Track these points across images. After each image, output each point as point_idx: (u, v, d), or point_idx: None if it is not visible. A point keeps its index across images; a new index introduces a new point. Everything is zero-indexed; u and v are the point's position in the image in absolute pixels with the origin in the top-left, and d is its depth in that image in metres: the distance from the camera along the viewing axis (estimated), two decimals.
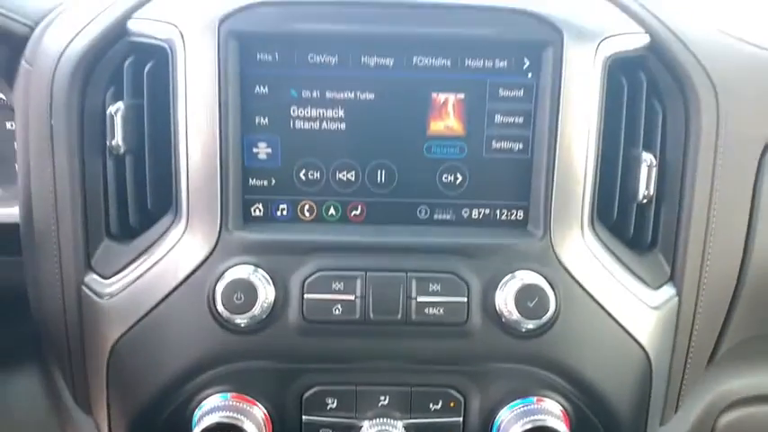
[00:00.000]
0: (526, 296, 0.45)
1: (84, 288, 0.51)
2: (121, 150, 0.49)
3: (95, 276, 0.51)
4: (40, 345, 0.61)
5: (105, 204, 0.51)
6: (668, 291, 0.51)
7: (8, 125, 0.66)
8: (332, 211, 0.49)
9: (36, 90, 0.50)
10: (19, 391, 0.62)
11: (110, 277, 0.50)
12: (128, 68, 0.49)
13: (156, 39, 0.47)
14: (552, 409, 0.48)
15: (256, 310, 0.45)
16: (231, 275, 0.46)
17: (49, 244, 0.51)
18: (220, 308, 0.46)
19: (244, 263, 0.46)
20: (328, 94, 0.47)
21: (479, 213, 0.49)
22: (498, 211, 0.49)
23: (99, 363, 0.50)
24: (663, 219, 0.51)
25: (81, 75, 0.49)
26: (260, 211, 0.49)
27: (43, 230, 0.51)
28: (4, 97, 0.64)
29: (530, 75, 0.47)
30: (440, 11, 0.45)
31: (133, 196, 0.51)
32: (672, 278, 0.51)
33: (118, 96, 0.49)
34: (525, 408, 0.48)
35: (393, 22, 0.45)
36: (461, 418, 0.49)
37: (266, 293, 0.45)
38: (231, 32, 0.45)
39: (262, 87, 0.47)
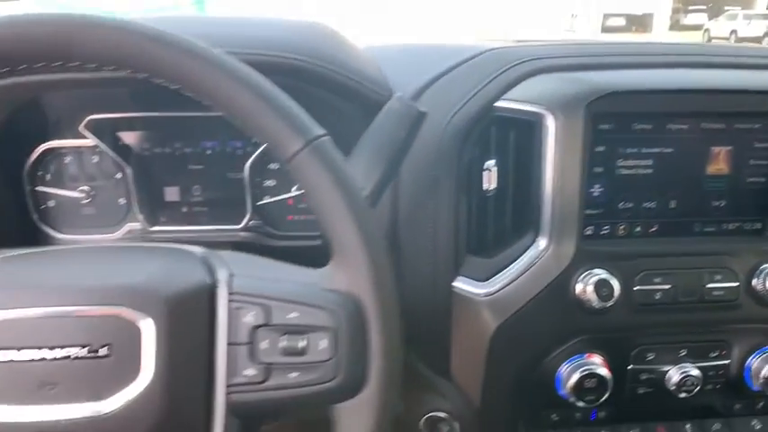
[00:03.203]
0: None
1: (455, 289, 0.71)
2: (490, 193, 0.70)
3: (467, 280, 0.71)
4: None
5: (468, 229, 0.72)
6: None
7: None
8: (638, 228, 0.72)
9: (422, 147, 0.69)
10: None
11: (483, 281, 0.71)
12: (494, 135, 0.70)
13: (523, 115, 0.68)
14: None
15: (609, 298, 0.67)
16: (591, 275, 0.68)
17: (425, 257, 0.71)
18: (584, 298, 0.68)
19: (596, 267, 0.68)
20: (644, 150, 0.69)
21: (735, 226, 0.73)
22: (746, 224, 0.73)
23: (478, 344, 0.71)
24: None
25: (461, 141, 0.69)
26: (591, 230, 0.71)
27: (422, 245, 0.71)
28: None
29: None
30: (738, 95, 0.68)
31: (492, 223, 0.71)
32: None
33: (483, 152, 0.70)
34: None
35: (702, 104, 0.67)
36: (728, 361, 0.73)
37: (614, 286, 0.67)
38: (591, 114, 0.66)
39: (600, 147, 0.68)
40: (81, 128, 0.78)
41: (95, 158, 0.82)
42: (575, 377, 0.68)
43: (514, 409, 0.74)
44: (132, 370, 0.43)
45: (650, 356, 0.71)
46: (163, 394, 0.44)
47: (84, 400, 0.43)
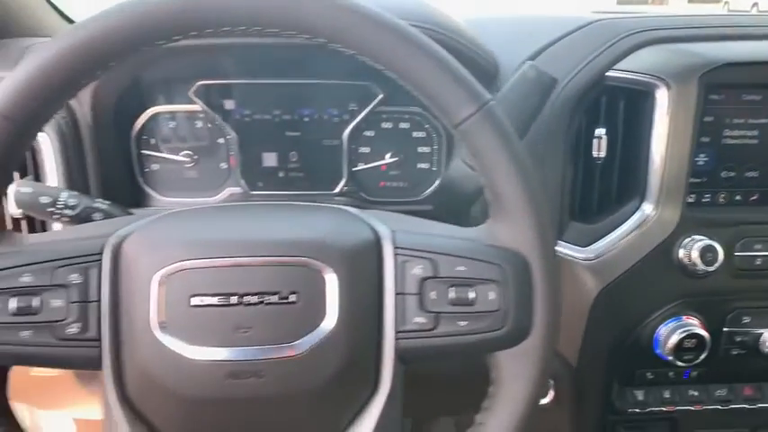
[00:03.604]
0: None
1: (557, 254, 0.74)
2: (599, 160, 0.72)
3: (569, 245, 0.74)
4: None
5: (571, 196, 0.74)
6: None
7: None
8: (738, 197, 0.74)
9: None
10: None
11: (585, 246, 0.74)
12: (604, 104, 0.72)
13: (634, 84, 0.70)
14: None
15: (713, 263, 0.70)
16: (694, 241, 0.70)
17: None
18: (687, 262, 0.70)
19: (698, 233, 0.71)
20: (750, 120, 0.71)
21: None
22: None
23: (579, 308, 0.74)
24: None
25: (571, 110, 0.71)
26: (693, 198, 0.73)
27: None
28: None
29: None
30: None
31: (597, 190, 0.74)
32: None
33: (591, 121, 0.72)
34: None
35: None
36: None
37: (718, 252, 0.70)
38: (704, 84, 0.68)
39: (709, 117, 0.70)
40: (190, 93, 0.80)
41: (199, 124, 0.84)
42: (674, 338, 0.72)
43: (609, 369, 0.78)
44: (318, 316, 0.47)
45: (746, 319, 0.75)
46: (344, 339, 0.47)
47: (275, 343, 0.46)
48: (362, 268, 0.49)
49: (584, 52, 0.71)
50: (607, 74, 0.71)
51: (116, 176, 0.82)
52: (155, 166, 0.85)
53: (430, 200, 0.87)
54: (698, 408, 0.79)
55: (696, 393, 0.78)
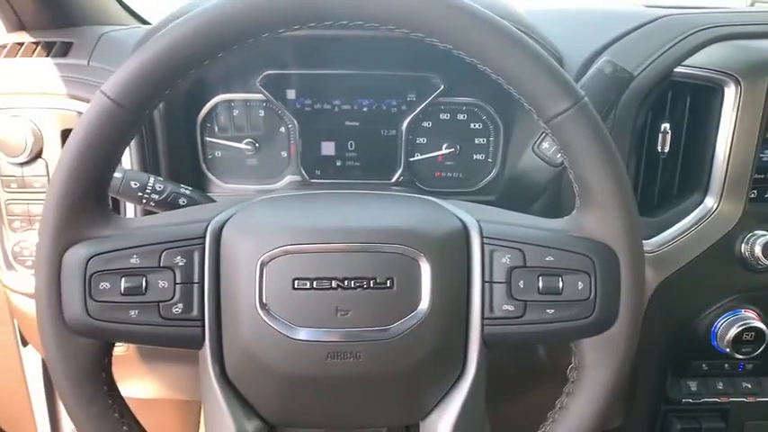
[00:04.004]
0: None
1: None
2: (663, 155, 0.73)
3: None
4: None
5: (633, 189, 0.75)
6: None
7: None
8: None
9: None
10: None
11: (645, 239, 0.75)
12: (670, 99, 0.73)
13: (702, 81, 0.71)
14: None
15: None
16: (756, 236, 0.71)
17: None
18: (748, 257, 0.71)
19: (760, 228, 0.72)
20: None
21: None
22: None
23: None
24: None
25: (638, 104, 0.72)
26: (755, 194, 0.74)
27: None
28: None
29: None
30: None
31: (660, 183, 0.75)
32: None
33: (656, 116, 0.73)
34: None
35: None
36: None
37: None
38: None
39: None
40: (257, 82, 0.82)
41: (262, 112, 0.86)
42: (733, 331, 0.73)
43: (665, 359, 0.79)
44: (412, 301, 0.49)
45: None
46: (435, 324, 0.49)
47: (372, 326, 0.48)
48: (452, 257, 0.50)
49: (654, 47, 0.72)
50: (676, 69, 0.71)
51: (182, 163, 0.84)
52: (217, 153, 0.87)
53: (486, 191, 0.88)
54: (751, 399, 0.80)
55: (749, 386, 0.80)
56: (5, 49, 0.81)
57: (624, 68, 0.65)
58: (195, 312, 0.49)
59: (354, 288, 0.48)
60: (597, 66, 0.66)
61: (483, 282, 0.51)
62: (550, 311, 0.50)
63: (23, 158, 0.73)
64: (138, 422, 0.52)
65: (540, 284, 0.50)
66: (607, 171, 0.49)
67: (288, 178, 0.88)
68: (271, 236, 0.49)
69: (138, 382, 0.95)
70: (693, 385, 0.80)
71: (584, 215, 0.51)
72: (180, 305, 0.49)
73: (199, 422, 1.29)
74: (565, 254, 0.50)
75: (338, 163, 0.89)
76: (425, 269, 0.49)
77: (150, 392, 0.97)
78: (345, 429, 0.61)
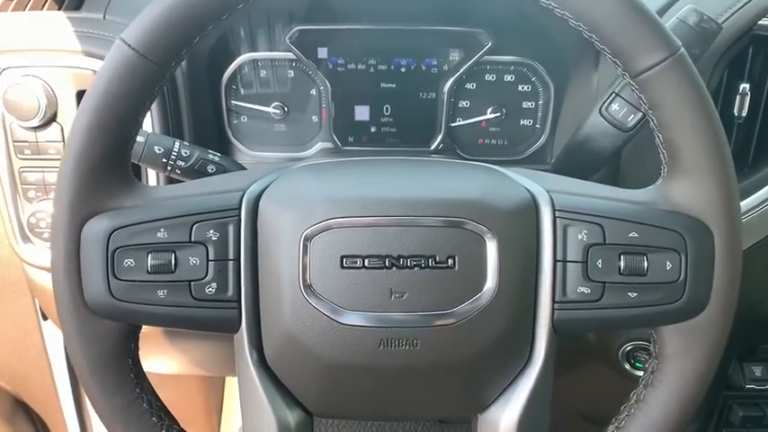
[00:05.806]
0: None
1: None
2: (739, 119, 0.66)
3: None
4: None
5: None
6: None
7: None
8: None
9: None
10: None
11: None
12: (750, 57, 0.65)
13: None
14: None
15: None
16: None
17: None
18: None
19: None
20: None
21: None
22: None
23: None
24: None
25: (714, 61, 0.64)
26: None
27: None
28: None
29: None
30: None
31: (733, 151, 0.68)
32: None
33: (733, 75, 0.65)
34: None
35: None
36: None
37: None
38: None
39: None
40: (286, 38, 0.75)
41: (291, 73, 0.79)
42: None
43: (730, 343, 0.73)
44: (476, 283, 0.43)
45: None
46: (501, 308, 0.43)
47: (430, 310, 0.42)
48: (520, 232, 0.44)
49: None
50: (760, 22, 0.63)
51: (206, 128, 0.78)
52: (243, 119, 0.81)
53: (533, 159, 0.82)
54: None
55: None
56: (13, 2, 0.75)
57: (711, 18, 0.57)
58: (231, 293, 0.44)
59: (411, 267, 0.42)
60: (679, 15, 0.58)
61: (555, 261, 0.44)
62: (633, 295, 0.44)
63: (36, 122, 0.68)
64: (167, 411, 0.48)
65: (622, 264, 0.44)
66: (706, 134, 0.42)
67: (319, 145, 0.82)
68: (315, 207, 0.43)
69: (161, 358, 0.91)
70: (758, 371, 0.74)
71: (673, 185, 0.44)
72: (213, 284, 0.43)
73: (222, 398, 1.27)
74: (651, 229, 0.44)
75: (373, 129, 0.82)
76: (491, 247, 0.43)
77: (173, 368, 0.93)
78: (392, 421, 0.56)
